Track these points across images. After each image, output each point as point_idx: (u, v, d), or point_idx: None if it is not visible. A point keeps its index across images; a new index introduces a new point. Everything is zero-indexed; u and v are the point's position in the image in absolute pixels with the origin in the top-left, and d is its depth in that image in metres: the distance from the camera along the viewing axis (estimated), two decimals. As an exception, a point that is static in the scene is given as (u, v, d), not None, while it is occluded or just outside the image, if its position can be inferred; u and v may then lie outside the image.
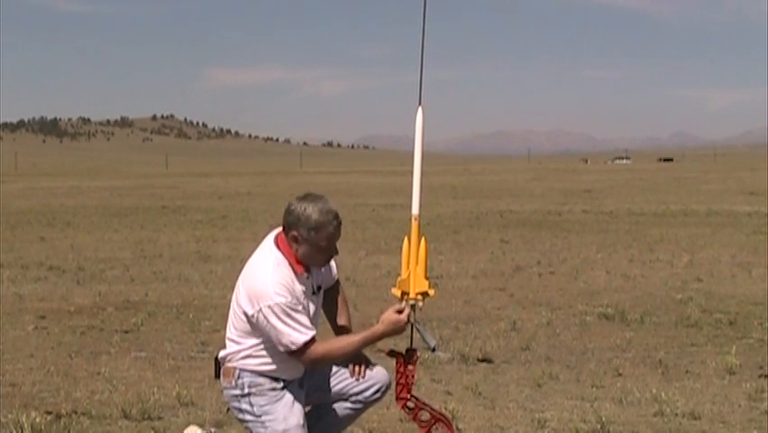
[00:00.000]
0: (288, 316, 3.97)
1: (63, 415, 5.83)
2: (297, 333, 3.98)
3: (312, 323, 4.07)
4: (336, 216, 4.08)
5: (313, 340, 4.00)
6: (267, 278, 4.01)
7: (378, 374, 4.29)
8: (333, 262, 4.36)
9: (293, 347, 3.98)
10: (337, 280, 4.45)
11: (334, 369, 4.28)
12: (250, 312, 4.02)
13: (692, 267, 14.77)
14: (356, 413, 4.40)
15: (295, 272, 4.07)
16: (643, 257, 16.34)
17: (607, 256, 16.58)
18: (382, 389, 4.30)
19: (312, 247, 4.06)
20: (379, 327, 4.05)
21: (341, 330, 4.33)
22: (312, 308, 4.15)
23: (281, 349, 4.02)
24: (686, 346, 8.47)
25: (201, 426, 5.01)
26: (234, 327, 4.15)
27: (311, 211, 4.03)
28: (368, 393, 4.28)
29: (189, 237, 20.92)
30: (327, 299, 4.37)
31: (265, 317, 3.98)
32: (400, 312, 4.04)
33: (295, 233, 4.05)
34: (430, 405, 4.27)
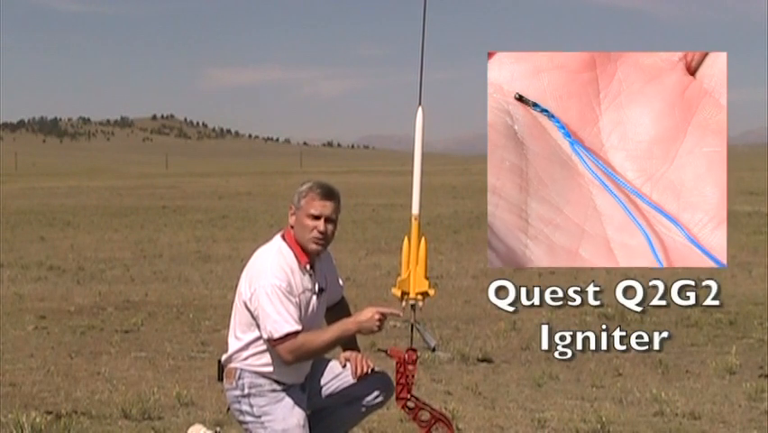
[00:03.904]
0: (280, 301, 3.97)
1: (63, 415, 5.83)
2: (282, 320, 3.96)
3: (303, 320, 4.03)
4: (327, 191, 4.12)
5: (295, 334, 3.97)
6: (267, 261, 4.07)
7: (380, 379, 4.28)
8: (339, 278, 4.41)
9: (275, 335, 3.96)
10: (344, 298, 4.46)
11: (337, 372, 4.28)
12: (248, 295, 4.04)
13: (692, 267, 14.76)
14: (358, 417, 4.40)
15: (298, 261, 4.09)
16: (643, 257, 16.32)
17: (607, 256, 16.55)
18: (384, 394, 4.30)
19: (300, 216, 4.10)
20: (351, 327, 4.07)
21: (345, 345, 4.28)
22: (312, 307, 4.15)
23: (265, 336, 4.01)
24: (686, 346, 8.47)
25: (205, 425, 5.01)
26: (235, 320, 4.16)
27: (307, 182, 4.20)
28: (369, 397, 4.28)
29: (189, 237, 20.91)
30: (333, 315, 4.36)
31: (258, 297, 3.99)
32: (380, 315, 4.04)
33: (291, 205, 4.15)
34: (430, 405, 4.27)
